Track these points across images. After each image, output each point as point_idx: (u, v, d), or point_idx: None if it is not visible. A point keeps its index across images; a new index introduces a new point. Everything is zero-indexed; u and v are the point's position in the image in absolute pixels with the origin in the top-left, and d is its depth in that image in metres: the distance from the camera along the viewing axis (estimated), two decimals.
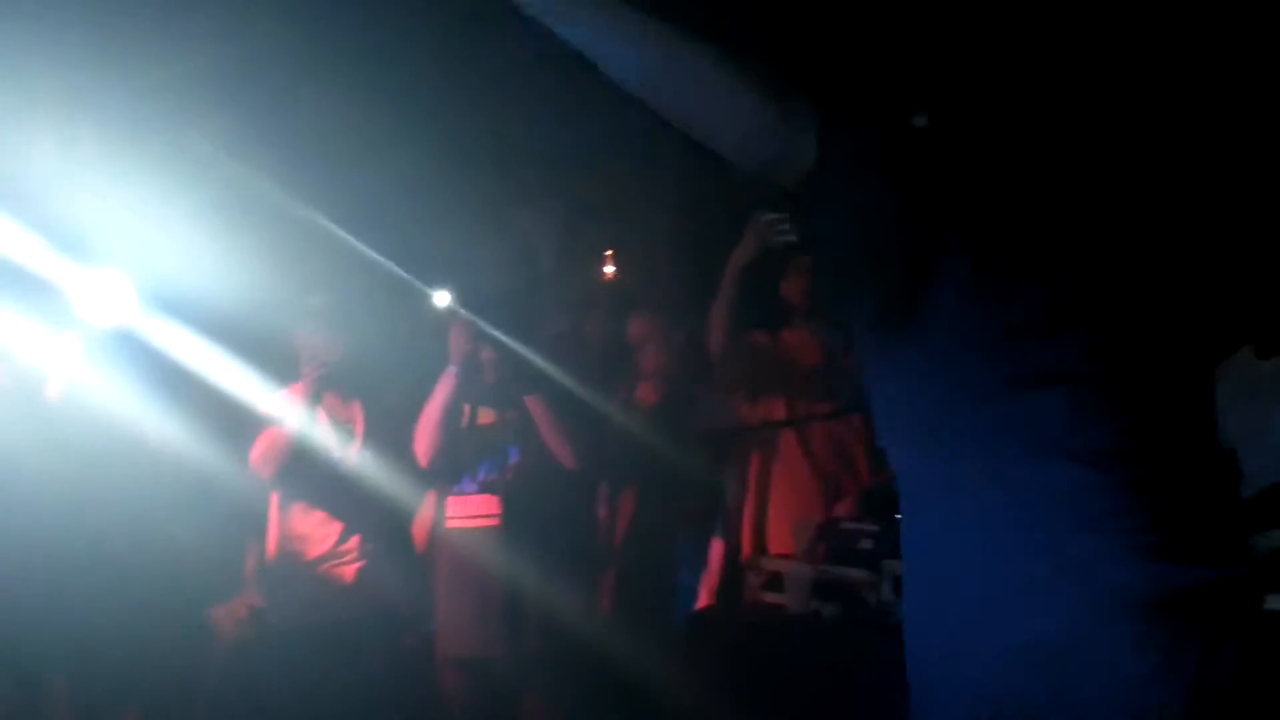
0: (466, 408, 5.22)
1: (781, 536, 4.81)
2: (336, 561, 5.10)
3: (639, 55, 2.19)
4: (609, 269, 6.62)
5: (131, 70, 6.22)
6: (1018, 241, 2.19)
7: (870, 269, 2.25)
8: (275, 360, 5.19)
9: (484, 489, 5.18)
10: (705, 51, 2.17)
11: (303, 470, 5.07)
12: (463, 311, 5.13)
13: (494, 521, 5.14)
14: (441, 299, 5.16)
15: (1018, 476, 2.13)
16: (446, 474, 5.20)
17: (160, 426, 4.86)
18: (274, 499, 5.16)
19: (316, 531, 5.10)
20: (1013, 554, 2.13)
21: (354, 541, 5.13)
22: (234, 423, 5.05)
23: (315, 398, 5.10)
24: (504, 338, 5.16)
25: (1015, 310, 2.15)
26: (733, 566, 5.06)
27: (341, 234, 5.52)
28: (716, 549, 5.19)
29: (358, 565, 5.13)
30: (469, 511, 5.16)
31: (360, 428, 5.19)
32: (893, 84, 2.47)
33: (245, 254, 4.97)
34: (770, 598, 4.47)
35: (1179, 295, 2.25)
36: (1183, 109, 2.44)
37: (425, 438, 5.12)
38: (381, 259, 5.44)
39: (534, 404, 5.10)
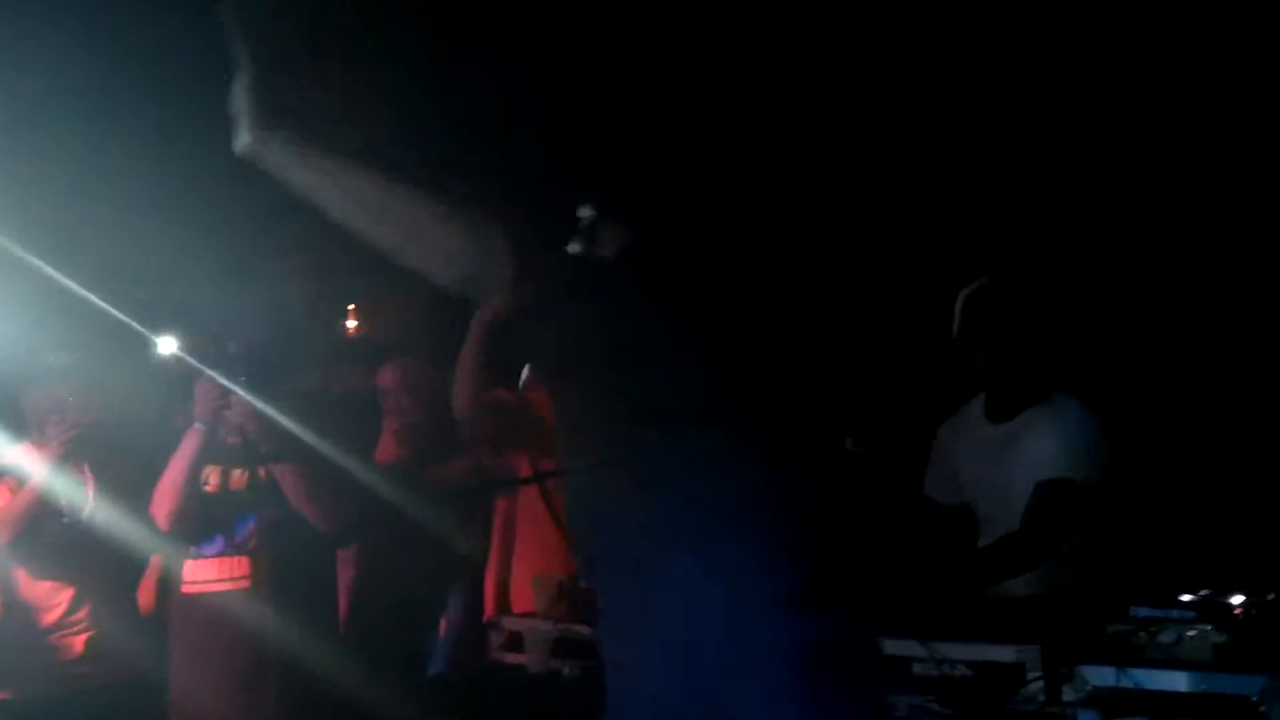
0: (217, 468, 5.09)
1: (525, 594, 4.78)
2: (68, 631, 4.94)
3: (354, 200, 2.47)
4: (352, 323, 6.55)
5: None
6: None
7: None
8: (9, 418, 5.04)
9: (236, 551, 5.06)
10: (412, 194, 2.46)
11: (33, 535, 4.90)
12: (191, 360, 5.02)
13: (244, 584, 5.02)
14: (167, 345, 5.04)
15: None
16: (192, 536, 5.05)
17: None
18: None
19: (46, 599, 4.93)
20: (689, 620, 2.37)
21: (85, 610, 4.97)
22: None
23: (62, 460, 4.93)
24: (250, 395, 5.04)
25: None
26: (477, 626, 5.02)
27: (82, 290, 5.35)
28: (460, 608, 5.15)
29: (89, 634, 4.97)
30: (212, 575, 5.02)
31: (92, 489, 5.03)
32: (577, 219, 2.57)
33: None
34: (511, 657, 4.44)
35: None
36: None
37: (166, 499, 4.98)
38: (121, 314, 5.29)
39: (282, 467, 5.00)
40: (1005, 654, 3.35)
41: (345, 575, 5.33)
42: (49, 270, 5.16)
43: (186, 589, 5.03)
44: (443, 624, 5.29)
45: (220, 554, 5.05)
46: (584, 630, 4.18)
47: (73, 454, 4.99)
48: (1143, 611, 3.35)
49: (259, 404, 5.02)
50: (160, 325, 5.21)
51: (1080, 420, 3.99)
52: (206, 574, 5.03)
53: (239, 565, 5.04)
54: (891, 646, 3.51)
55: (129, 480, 5.07)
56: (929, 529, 4.27)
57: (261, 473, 5.11)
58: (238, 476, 5.13)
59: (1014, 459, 4.02)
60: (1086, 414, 4.00)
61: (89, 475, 5.06)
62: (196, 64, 5.91)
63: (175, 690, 4.99)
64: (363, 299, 6.58)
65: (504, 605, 4.94)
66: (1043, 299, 4.11)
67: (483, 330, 4.89)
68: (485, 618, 4.96)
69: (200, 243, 6.08)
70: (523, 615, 4.65)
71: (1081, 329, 4.34)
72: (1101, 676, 3.22)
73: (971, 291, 4.18)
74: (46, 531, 4.92)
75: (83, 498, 4.99)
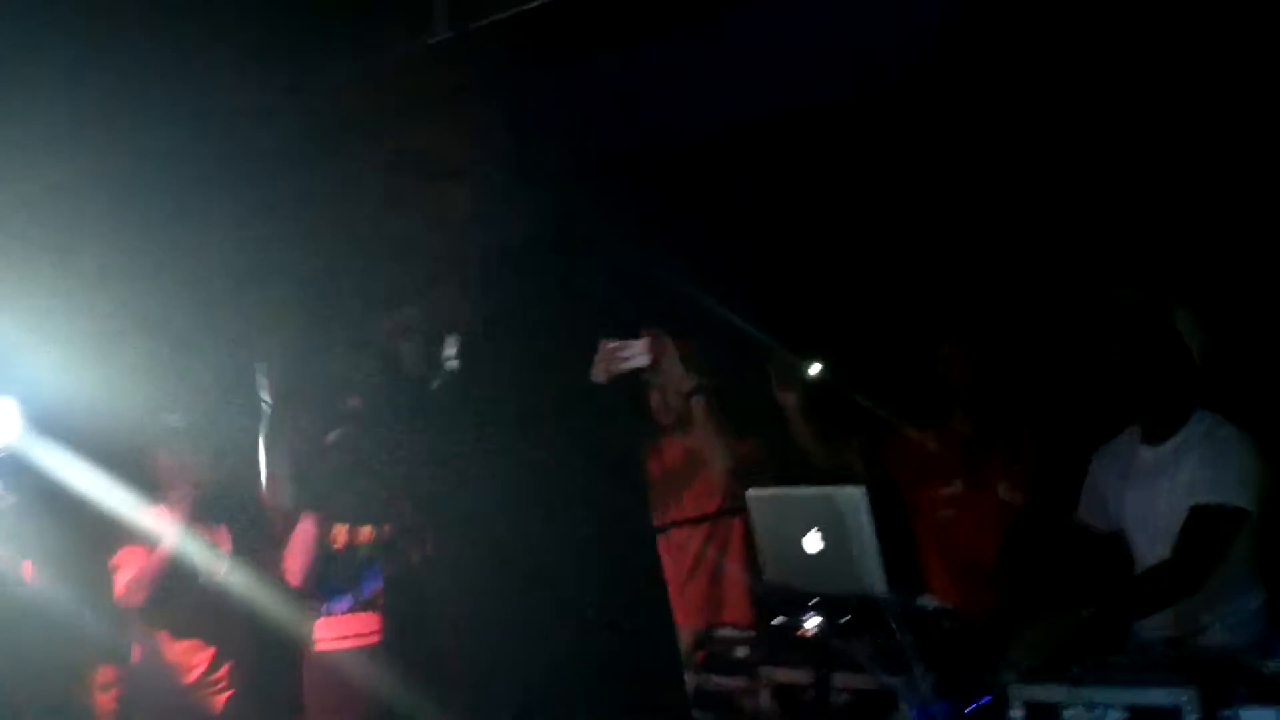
0: (344, 525, 5.15)
1: None
2: (209, 690, 5.01)
3: None
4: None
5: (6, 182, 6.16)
6: None
7: None
8: (141, 480, 5.12)
9: (365, 607, 5.11)
10: None
11: (171, 596, 4.97)
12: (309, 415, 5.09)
13: (373, 640, 5.07)
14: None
15: None
16: (322, 593, 5.11)
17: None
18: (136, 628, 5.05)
19: (186, 659, 5.00)
20: None
21: (225, 669, 5.03)
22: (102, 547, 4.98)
23: (193, 520, 5.00)
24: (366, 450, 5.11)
25: None
26: None
27: (210, 351, 5.45)
28: None
29: (228, 693, 5.03)
30: (342, 632, 5.08)
31: (227, 549, 5.09)
32: None
33: (120, 374, 4.93)
34: None
35: None
36: None
37: (296, 557, 5.05)
38: (247, 374, 5.38)
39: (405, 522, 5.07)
40: (1160, 697, 3.32)
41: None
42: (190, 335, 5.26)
43: (319, 646, 5.08)
44: None
45: (349, 610, 5.11)
46: (722, 681, 4.20)
47: (203, 514, 5.06)
48: None
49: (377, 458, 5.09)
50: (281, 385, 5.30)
51: (1236, 444, 3.93)
52: (337, 631, 5.10)
53: (368, 621, 5.10)
54: (1041, 693, 3.52)
55: (266, 539, 5.13)
56: (1081, 557, 4.27)
57: (385, 528, 5.16)
58: (364, 533, 5.19)
59: (1167, 483, 3.98)
60: (1241, 437, 3.94)
61: (225, 535, 5.12)
62: (301, 133, 6.08)
63: None
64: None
65: None
66: (1191, 313, 4.07)
67: None
68: None
69: (309, 300, 6.19)
70: None
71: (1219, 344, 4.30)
72: None
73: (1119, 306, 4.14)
74: (184, 592, 4.98)
75: (219, 558, 5.05)
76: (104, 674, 5.67)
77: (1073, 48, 5.02)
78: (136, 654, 5.10)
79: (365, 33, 5.60)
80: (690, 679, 4.29)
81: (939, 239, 5.68)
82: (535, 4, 5.07)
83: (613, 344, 4.79)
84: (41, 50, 6.36)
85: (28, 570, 5.14)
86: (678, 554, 5.00)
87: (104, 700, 5.60)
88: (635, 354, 4.71)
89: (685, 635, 4.47)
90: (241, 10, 5.93)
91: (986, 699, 3.61)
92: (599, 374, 4.83)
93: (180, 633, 5.03)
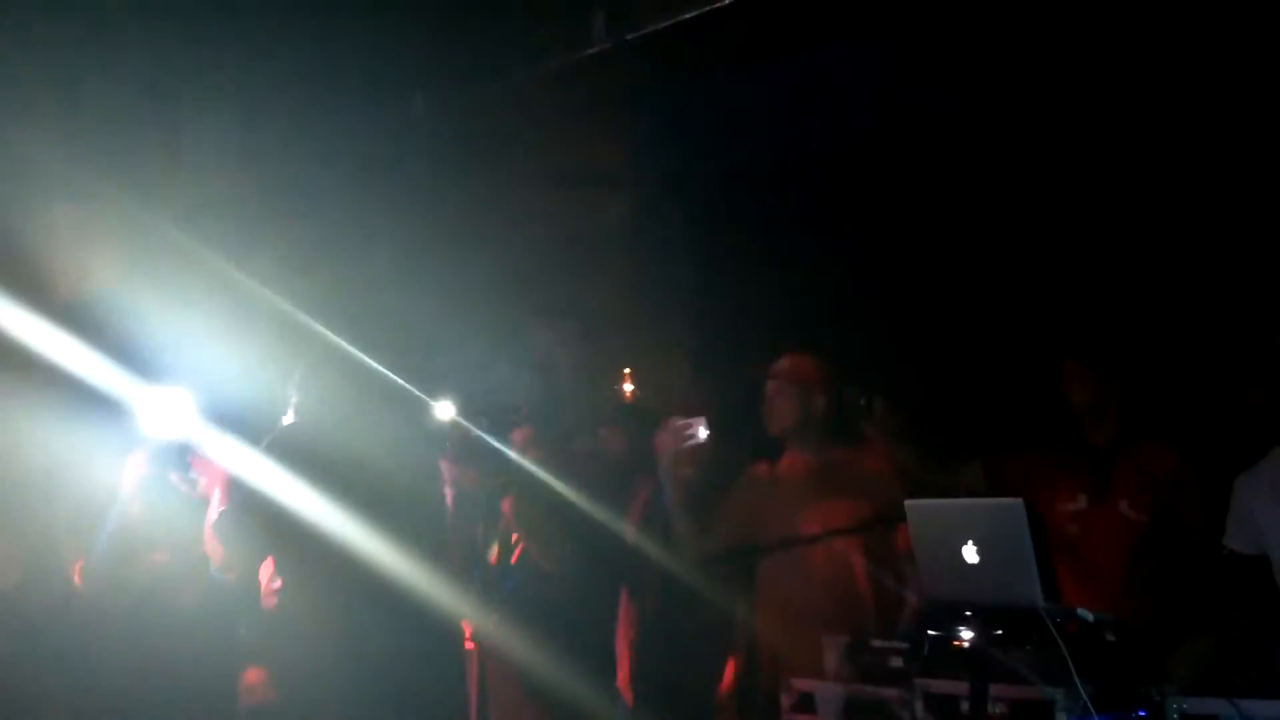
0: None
1: (809, 654, 4.79)
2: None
3: None
4: (628, 386, 6.64)
5: (185, 189, 6.39)
6: None
7: None
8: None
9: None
10: None
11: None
12: (470, 425, 5.16)
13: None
14: (445, 410, 5.18)
15: None
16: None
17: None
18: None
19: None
20: None
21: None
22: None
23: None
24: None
25: None
26: (758, 687, 5.07)
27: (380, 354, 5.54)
28: (731, 667, 5.22)
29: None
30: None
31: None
32: None
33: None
34: (802, 718, 4.45)
35: None
36: None
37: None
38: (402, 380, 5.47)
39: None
40: None
41: (626, 635, 5.42)
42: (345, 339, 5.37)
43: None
44: (725, 684, 5.33)
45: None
46: (876, 691, 4.19)
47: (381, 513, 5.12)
48: None
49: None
50: (436, 391, 5.38)
51: None
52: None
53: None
54: (1199, 705, 3.48)
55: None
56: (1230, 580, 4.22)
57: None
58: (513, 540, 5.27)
59: None
60: None
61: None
62: (459, 143, 6.20)
63: None
64: (634, 362, 6.71)
65: (786, 665, 4.94)
66: None
67: (672, 472, 5.00)
68: (766, 677, 4.99)
69: (469, 310, 6.28)
70: (810, 677, 4.65)
71: None
72: None
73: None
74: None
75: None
76: (252, 675, 5.85)
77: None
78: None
79: (525, 44, 5.70)
80: (841, 689, 4.28)
81: (1067, 257, 5.67)
82: (692, 14, 5.12)
83: (679, 421, 4.95)
84: (220, 69, 6.60)
85: (218, 561, 5.28)
86: (830, 564, 4.99)
87: (251, 701, 5.78)
88: (697, 431, 4.91)
89: (838, 646, 4.45)
90: (404, 24, 6.07)
91: (1143, 712, 3.58)
92: (666, 445, 4.99)
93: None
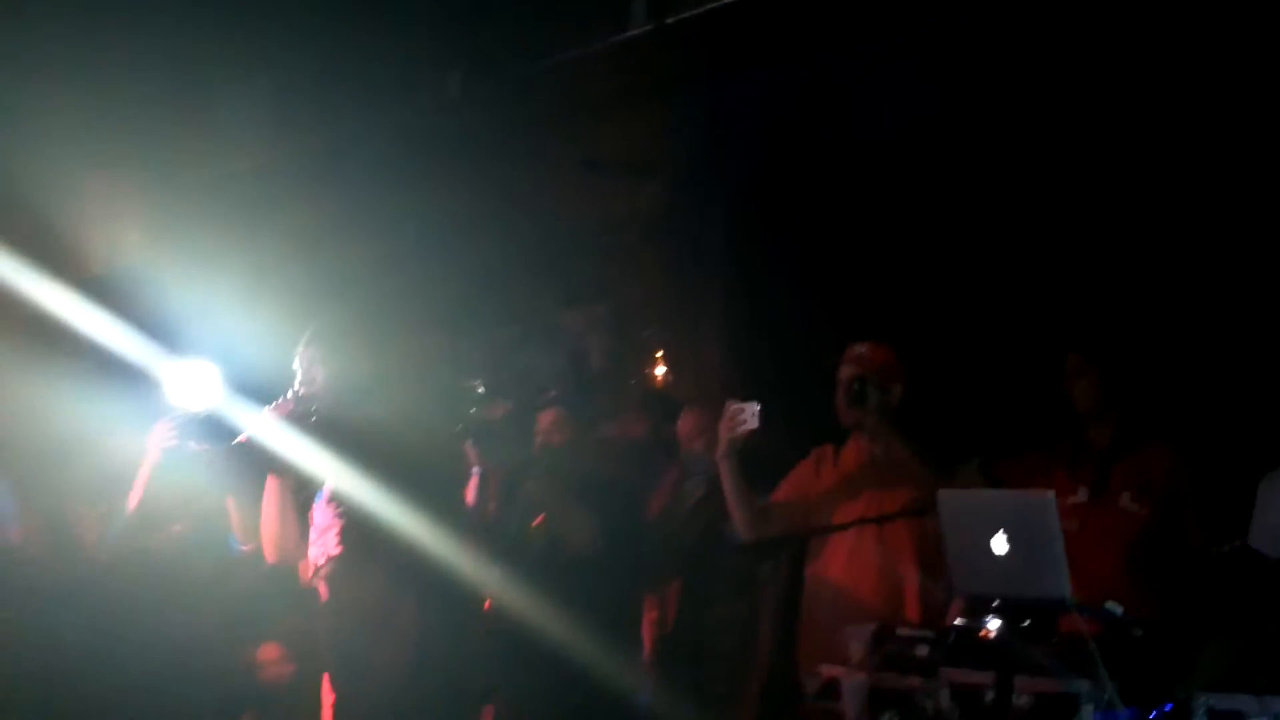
0: None
1: (834, 643, 4.79)
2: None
3: None
4: (660, 370, 6.65)
5: (214, 160, 6.41)
6: None
7: None
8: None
9: None
10: None
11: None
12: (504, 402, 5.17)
13: None
14: (473, 389, 5.20)
15: None
16: None
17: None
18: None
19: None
20: None
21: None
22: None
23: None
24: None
25: None
26: (782, 671, 5.07)
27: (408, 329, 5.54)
28: (768, 653, 5.22)
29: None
30: None
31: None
32: None
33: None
34: (825, 705, 4.44)
35: None
36: None
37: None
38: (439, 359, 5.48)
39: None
40: None
41: (651, 615, 5.44)
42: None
43: None
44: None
45: None
46: (900, 680, 4.17)
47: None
48: None
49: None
50: (465, 370, 5.40)
51: None
52: None
53: None
54: (1225, 701, 3.47)
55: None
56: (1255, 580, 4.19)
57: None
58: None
59: None
60: None
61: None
62: (496, 126, 6.21)
63: None
64: (666, 347, 6.71)
65: (811, 653, 4.93)
66: None
67: (726, 462, 4.97)
68: (795, 664, 4.99)
69: (498, 291, 6.31)
70: (834, 664, 4.64)
71: None
72: None
73: None
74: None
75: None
76: (268, 651, 5.87)
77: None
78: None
79: (563, 27, 5.69)
80: (866, 678, 4.27)
81: (1068, 257, 5.67)
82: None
83: (734, 405, 4.87)
84: (252, 39, 6.60)
85: (237, 531, 5.30)
86: (858, 553, 4.98)
87: (268, 675, 5.80)
88: (751, 417, 4.82)
89: (864, 635, 4.44)
90: (442, 3, 6.08)
91: (1169, 706, 3.57)
92: (721, 430, 4.93)
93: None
